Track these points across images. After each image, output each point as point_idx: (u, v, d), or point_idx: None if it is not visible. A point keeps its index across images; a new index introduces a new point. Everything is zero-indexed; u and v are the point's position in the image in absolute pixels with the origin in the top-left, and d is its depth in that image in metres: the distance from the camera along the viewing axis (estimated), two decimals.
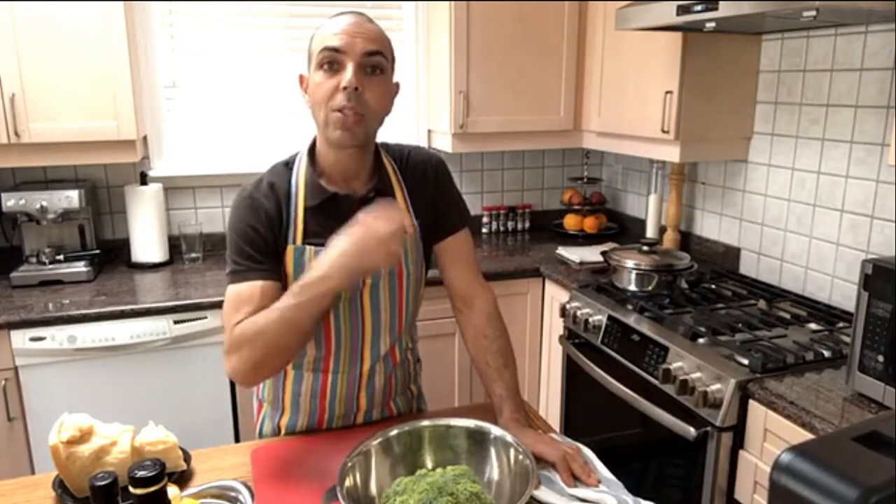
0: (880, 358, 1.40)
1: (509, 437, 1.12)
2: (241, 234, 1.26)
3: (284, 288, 1.25)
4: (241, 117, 2.74)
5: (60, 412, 1.22)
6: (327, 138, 1.24)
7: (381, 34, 1.24)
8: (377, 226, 1.11)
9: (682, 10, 1.78)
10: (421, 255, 1.37)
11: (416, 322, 1.48)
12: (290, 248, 1.26)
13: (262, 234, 1.25)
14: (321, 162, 1.30)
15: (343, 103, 1.18)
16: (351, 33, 1.19)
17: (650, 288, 2.15)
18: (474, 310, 1.40)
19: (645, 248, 2.21)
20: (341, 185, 1.29)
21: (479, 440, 1.14)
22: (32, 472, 2.08)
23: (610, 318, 2.04)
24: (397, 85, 1.29)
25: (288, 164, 1.31)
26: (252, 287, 1.22)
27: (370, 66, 1.20)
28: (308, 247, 1.26)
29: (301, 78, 1.28)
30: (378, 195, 1.31)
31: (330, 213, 1.27)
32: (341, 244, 1.12)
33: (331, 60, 1.19)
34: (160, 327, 2.13)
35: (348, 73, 1.18)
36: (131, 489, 0.82)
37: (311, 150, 1.31)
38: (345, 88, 1.17)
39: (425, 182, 1.37)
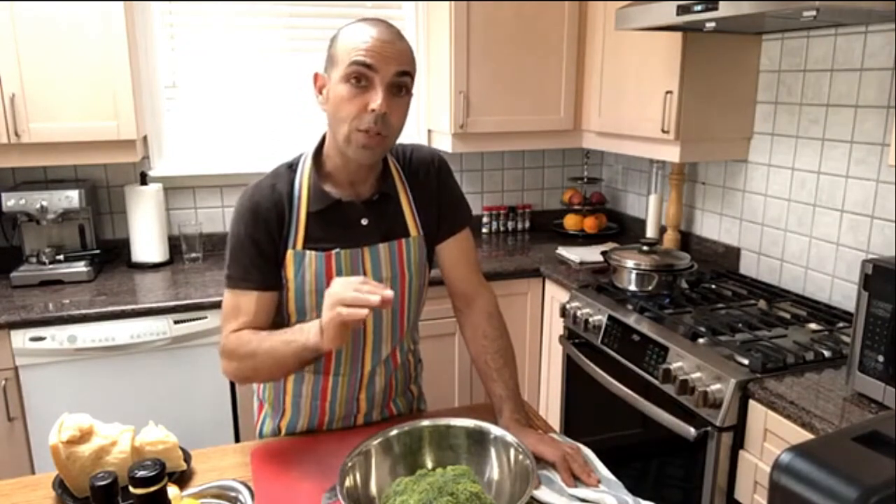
0: (880, 358, 1.40)
1: (509, 437, 1.12)
2: (239, 243, 1.26)
3: (283, 291, 1.27)
4: (242, 117, 2.74)
5: (60, 412, 1.22)
6: (345, 153, 1.22)
7: (410, 53, 1.21)
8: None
9: (682, 10, 1.78)
10: (424, 259, 1.37)
11: (418, 323, 1.48)
12: (290, 253, 1.26)
13: (260, 244, 1.25)
14: (328, 165, 1.29)
15: (370, 126, 1.16)
16: (384, 52, 1.15)
17: (650, 288, 2.15)
18: (475, 309, 1.40)
19: (645, 248, 2.21)
20: (347, 189, 1.29)
21: (479, 440, 1.14)
22: (32, 472, 2.08)
23: (610, 318, 2.04)
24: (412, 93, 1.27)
25: (291, 167, 1.30)
26: (248, 297, 1.26)
27: (397, 86, 1.18)
28: (309, 252, 1.26)
29: (316, 76, 1.25)
30: (382, 197, 1.31)
31: (332, 219, 1.27)
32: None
33: (359, 75, 1.16)
34: (160, 327, 2.13)
35: (378, 97, 1.15)
36: (131, 489, 0.82)
37: (317, 152, 1.30)
38: (373, 111, 1.15)
39: (428, 182, 1.37)
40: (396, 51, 1.17)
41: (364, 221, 1.28)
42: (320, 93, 1.24)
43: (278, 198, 1.26)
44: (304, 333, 1.14)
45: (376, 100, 1.15)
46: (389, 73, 1.16)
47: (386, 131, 1.18)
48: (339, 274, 1.27)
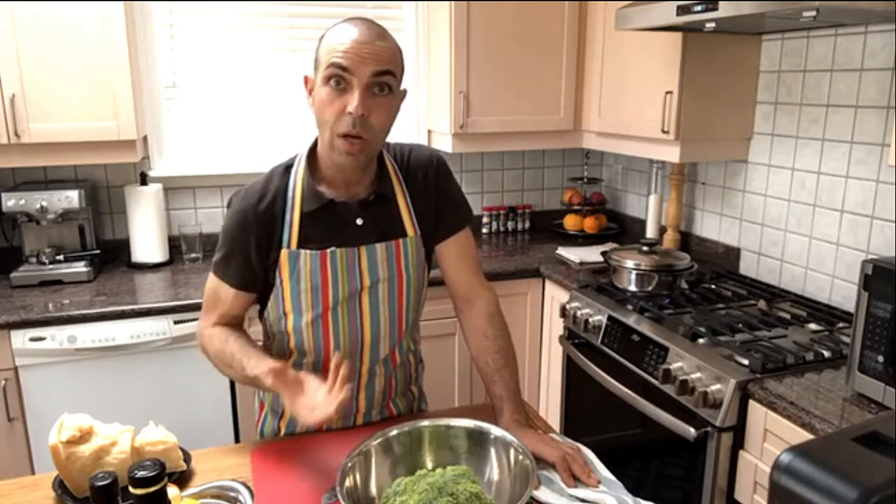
0: (880, 358, 1.40)
1: (509, 438, 1.12)
2: (228, 240, 1.29)
3: (278, 290, 1.29)
4: (242, 117, 2.74)
5: (60, 412, 1.22)
6: (329, 157, 1.24)
7: (392, 51, 1.20)
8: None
9: (682, 10, 1.78)
10: (423, 260, 1.37)
11: (419, 323, 1.48)
12: (284, 253, 1.26)
13: (249, 246, 1.26)
14: (322, 166, 1.29)
15: (348, 129, 1.17)
16: (360, 53, 1.15)
17: (650, 288, 2.15)
18: (475, 309, 1.40)
19: (645, 248, 2.21)
20: (342, 190, 1.29)
21: (479, 440, 1.14)
22: (32, 472, 2.08)
23: (610, 318, 2.04)
24: (404, 91, 1.27)
25: (287, 168, 1.31)
26: (227, 292, 1.32)
27: (378, 86, 1.18)
28: (303, 251, 1.26)
29: (306, 79, 1.25)
30: (379, 198, 1.31)
31: (327, 219, 1.27)
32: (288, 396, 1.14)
33: (338, 77, 1.16)
34: (160, 327, 2.13)
35: (355, 100, 1.15)
36: (131, 489, 0.82)
37: (311, 153, 1.30)
38: (350, 114, 1.16)
39: (427, 183, 1.37)
40: (374, 50, 1.16)
41: (359, 221, 1.29)
42: (310, 95, 1.24)
43: (272, 198, 1.27)
44: (261, 368, 1.18)
45: (352, 102, 1.15)
46: (366, 74, 1.16)
47: (367, 133, 1.18)
48: (335, 273, 1.27)
